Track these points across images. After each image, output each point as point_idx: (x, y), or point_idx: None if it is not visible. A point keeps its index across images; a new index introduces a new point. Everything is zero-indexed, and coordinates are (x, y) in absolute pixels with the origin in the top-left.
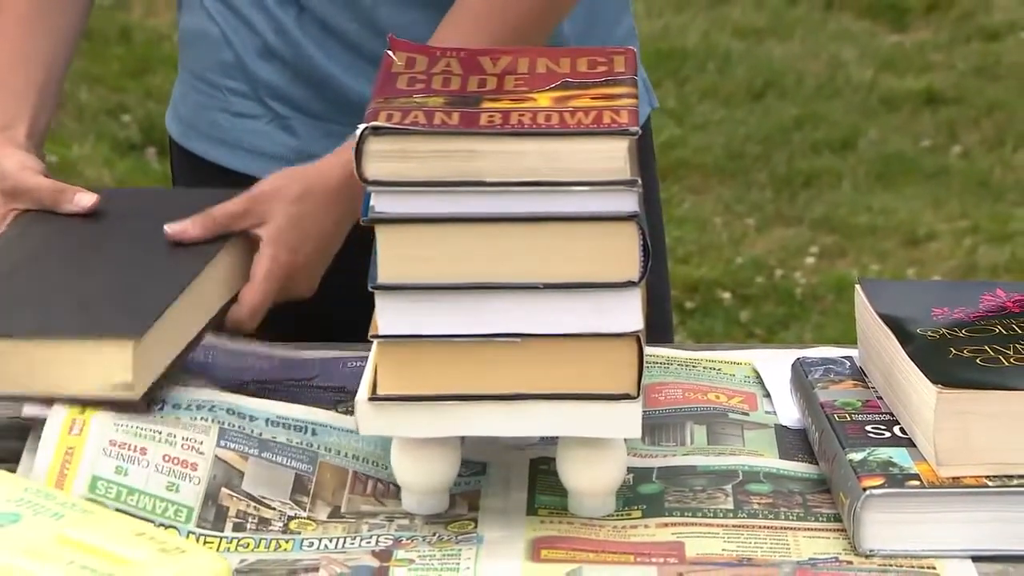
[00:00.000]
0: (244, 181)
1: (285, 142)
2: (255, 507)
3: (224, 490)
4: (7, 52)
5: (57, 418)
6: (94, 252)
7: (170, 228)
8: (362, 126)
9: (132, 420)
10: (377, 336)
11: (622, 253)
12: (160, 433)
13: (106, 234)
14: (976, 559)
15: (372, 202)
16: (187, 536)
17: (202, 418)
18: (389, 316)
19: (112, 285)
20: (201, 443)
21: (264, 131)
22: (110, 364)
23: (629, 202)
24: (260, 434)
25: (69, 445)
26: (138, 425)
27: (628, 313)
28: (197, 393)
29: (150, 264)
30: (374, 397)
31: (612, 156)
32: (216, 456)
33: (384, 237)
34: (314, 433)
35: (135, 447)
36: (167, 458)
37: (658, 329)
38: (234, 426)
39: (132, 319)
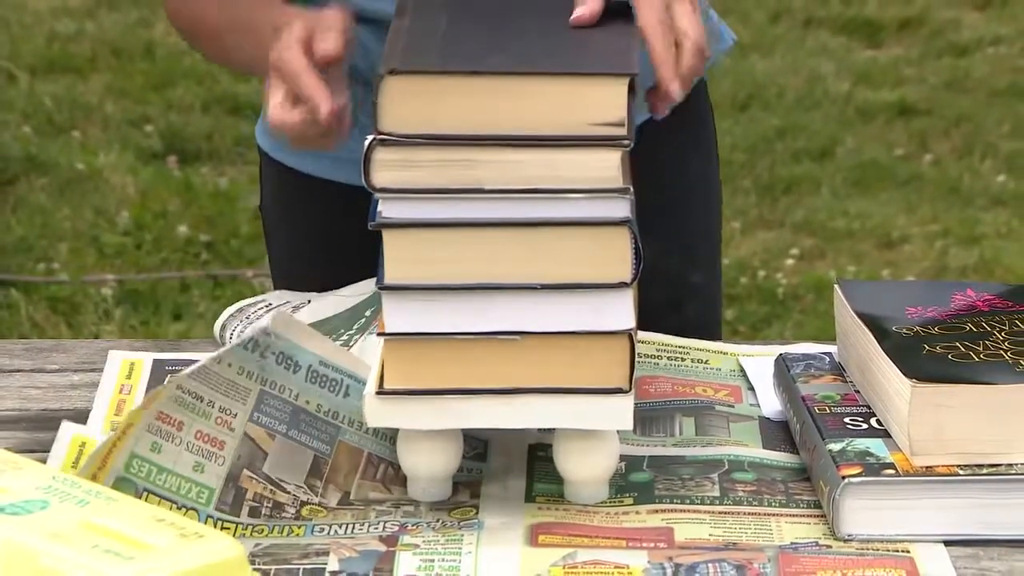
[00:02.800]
0: (330, 187)
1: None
2: (271, 490)
3: (245, 472)
4: None
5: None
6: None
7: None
8: (370, 137)
9: (193, 380)
10: (384, 333)
11: (615, 256)
12: (202, 401)
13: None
14: (948, 543)
15: (379, 208)
16: (206, 520)
17: (248, 372)
18: (395, 315)
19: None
20: (235, 416)
21: (350, 140)
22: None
23: (621, 208)
24: (296, 396)
25: (132, 422)
26: (189, 389)
27: (621, 312)
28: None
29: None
30: (381, 391)
31: (606, 166)
32: (245, 434)
33: (390, 241)
34: (347, 394)
35: (175, 420)
36: (199, 435)
37: (708, 327)
38: (275, 386)
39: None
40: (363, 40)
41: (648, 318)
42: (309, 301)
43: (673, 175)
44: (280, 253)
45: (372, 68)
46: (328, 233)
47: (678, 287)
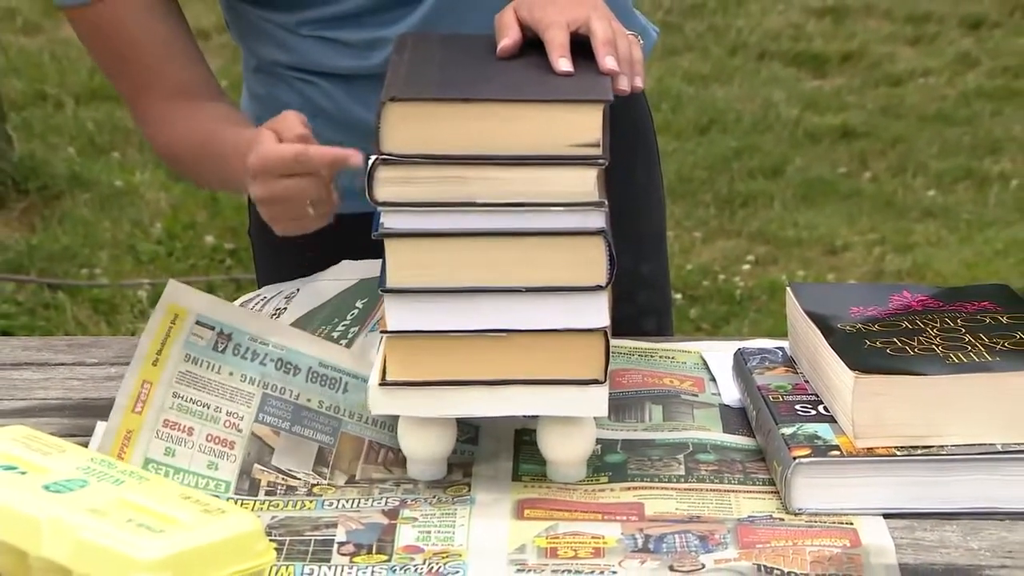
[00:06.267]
0: None
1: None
2: (283, 479)
3: (256, 466)
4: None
5: (123, 398)
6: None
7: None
8: (373, 156)
9: (189, 388)
10: (386, 331)
11: (591, 262)
12: (207, 408)
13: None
14: (886, 516)
15: (382, 219)
16: (226, 500)
17: (251, 378)
18: (396, 314)
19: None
20: (241, 419)
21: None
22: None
23: (597, 220)
24: (297, 396)
25: (129, 428)
26: (191, 397)
27: (597, 312)
28: (262, 326)
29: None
30: (384, 382)
31: (583, 182)
32: (252, 433)
33: (392, 249)
34: (346, 390)
35: (184, 427)
36: (210, 438)
37: (659, 311)
38: (276, 389)
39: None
40: (328, 90)
41: None
42: (298, 289)
43: (621, 183)
44: (267, 278)
45: (338, 111)
46: (315, 259)
47: (629, 280)
